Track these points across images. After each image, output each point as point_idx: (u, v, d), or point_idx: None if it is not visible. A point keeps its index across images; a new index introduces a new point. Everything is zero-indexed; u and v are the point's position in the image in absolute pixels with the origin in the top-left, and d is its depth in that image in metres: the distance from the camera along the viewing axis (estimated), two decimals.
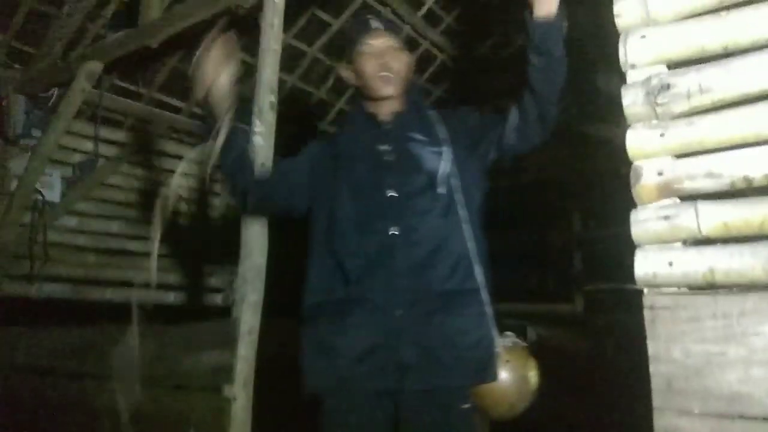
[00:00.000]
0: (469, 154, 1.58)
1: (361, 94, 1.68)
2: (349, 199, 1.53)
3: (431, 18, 3.99)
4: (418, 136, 1.58)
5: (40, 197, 3.09)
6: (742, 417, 0.96)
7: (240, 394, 1.60)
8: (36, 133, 3.04)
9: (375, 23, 1.62)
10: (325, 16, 3.78)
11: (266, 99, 1.89)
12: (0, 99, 3.03)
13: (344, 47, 1.70)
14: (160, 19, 2.48)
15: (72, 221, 3.40)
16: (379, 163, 1.57)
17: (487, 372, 1.47)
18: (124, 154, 3.67)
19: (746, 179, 1.01)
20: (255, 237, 1.75)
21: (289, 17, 3.74)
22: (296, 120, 4.26)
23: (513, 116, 1.55)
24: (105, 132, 3.58)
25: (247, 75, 4.01)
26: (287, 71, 4.03)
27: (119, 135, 3.70)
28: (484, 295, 1.50)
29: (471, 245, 1.52)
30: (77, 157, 3.44)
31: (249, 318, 1.67)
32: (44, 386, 2.30)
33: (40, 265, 3.11)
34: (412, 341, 1.41)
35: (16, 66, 3.13)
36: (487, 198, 1.66)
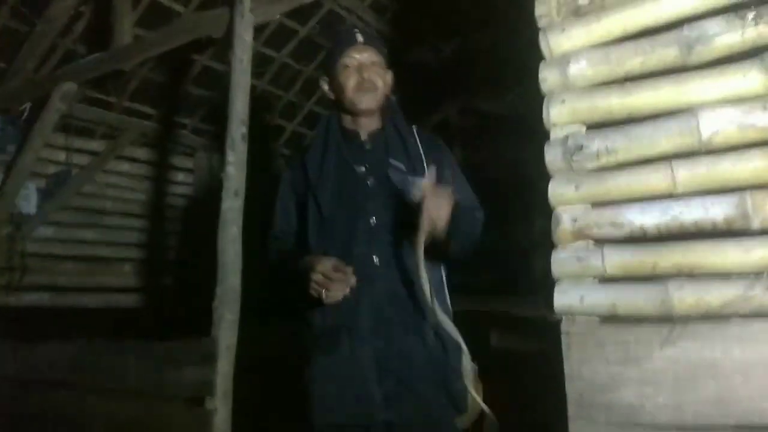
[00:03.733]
0: None
1: (340, 108, 1.61)
2: (329, 221, 1.50)
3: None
4: (399, 164, 1.54)
5: (17, 210, 3.18)
6: (636, 425, 1.18)
7: (220, 407, 1.77)
8: (10, 148, 3.12)
9: (360, 36, 1.56)
10: (292, 24, 3.91)
11: (238, 131, 2.03)
12: None
13: (324, 59, 1.68)
14: (132, 45, 2.59)
15: (48, 231, 3.50)
16: (361, 188, 1.53)
17: (462, 404, 1.47)
18: (97, 163, 3.76)
19: (642, 229, 1.22)
20: (231, 260, 1.91)
21: (258, 25, 3.88)
22: (266, 119, 4.42)
23: None
24: (77, 142, 3.68)
25: (220, 82, 4.16)
26: (257, 77, 4.17)
27: (92, 144, 3.79)
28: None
29: (444, 277, 1.55)
30: (51, 168, 3.53)
31: (227, 336, 1.84)
32: (29, 397, 2.42)
33: (20, 275, 3.21)
34: (395, 375, 1.42)
35: None
36: None
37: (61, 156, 3.58)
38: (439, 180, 1.46)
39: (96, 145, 3.82)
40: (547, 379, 1.34)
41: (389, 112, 1.64)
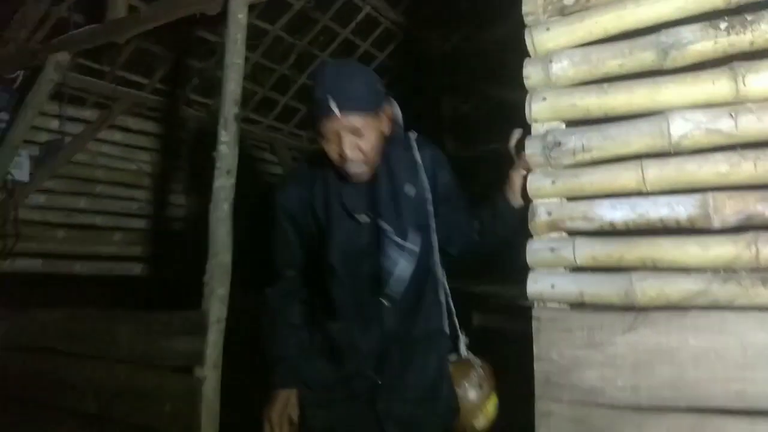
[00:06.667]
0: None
1: None
2: (337, 271, 1.52)
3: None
4: (411, 189, 1.53)
5: (10, 177, 3.21)
6: (596, 404, 1.27)
7: (210, 375, 1.86)
8: (3, 116, 3.13)
9: (334, 106, 1.37)
10: None
11: (231, 111, 2.07)
12: None
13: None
14: (126, 18, 2.60)
15: (41, 199, 3.53)
16: (364, 234, 1.52)
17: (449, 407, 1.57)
18: (89, 132, 3.77)
19: (611, 224, 1.30)
20: (222, 238, 1.97)
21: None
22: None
23: (460, 239, 1.62)
24: (70, 110, 3.69)
25: (213, 54, 4.16)
26: (251, 49, 4.17)
27: (84, 113, 3.79)
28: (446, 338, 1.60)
29: (444, 301, 1.60)
30: (44, 136, 3.54)
31: (217, 309, 1.92)
32: (22, 362, 2.49)
33: (13, 241, 3.26)
34: (394, 421, 1.50)
35: None
36: None
37: (54, 124, 3.60)
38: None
39: (88, 113, 3.82)
40: (521, 356, 1.43)
41: (392, 145, 1.55)
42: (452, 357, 1.62)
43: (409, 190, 1.53)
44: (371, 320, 1.52)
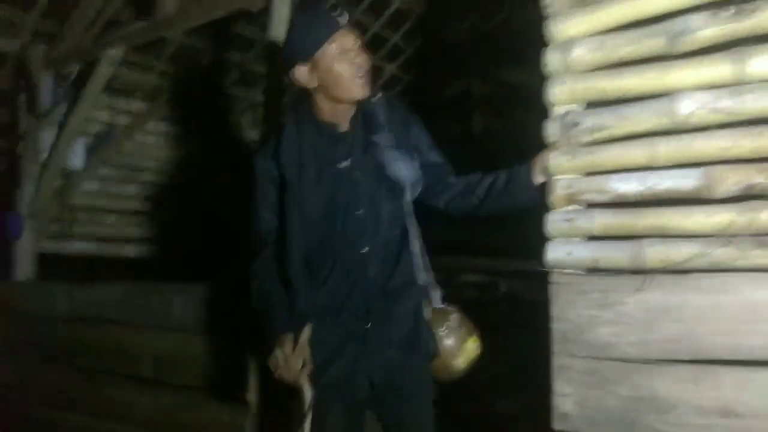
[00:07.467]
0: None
1: (326, 96, 1.52)
2: (318, 225, 1.53)
3: None
4: (380, 140, 1.54)
5: (67, 165, 3.47)
6: (608, 358, 1.40)
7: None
8: (61, 107, 3.38)
9: (346, 17, 1.46)
10: None
11: (273, 100, 2.24)
12: (26, 74, 3.35)
13: (296, 43, 1.48)
14: (176, 15, 2.80)
15: (94, 186, 3.79)
16: (346, 183, 1.54)
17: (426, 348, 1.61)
18: (137, 124, 4.01)
19: (623, 196, 1.43)
20: None
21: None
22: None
23: (451, 192, 1.65)
24: (119, 102, 3.93)
25: (249, 46, 4.34)
26: None
27: (132, 105, 4.04)
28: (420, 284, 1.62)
29: (418, 254, 1.63)
30: (95, 126, 3.79)
31: None
32: (86, 333, 2.72)
33: (69, 225, 3.52)
34: (379, 368, 1.55)
35: (41, 44, 3.44)
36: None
37: (104, 114, 3.84)
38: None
39: (136, 105, 4.06)
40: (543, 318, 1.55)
41: None
42: (428, 308, 1.66)
43: (384, 139, 1.55)
44: (354, 275, 1.54)
